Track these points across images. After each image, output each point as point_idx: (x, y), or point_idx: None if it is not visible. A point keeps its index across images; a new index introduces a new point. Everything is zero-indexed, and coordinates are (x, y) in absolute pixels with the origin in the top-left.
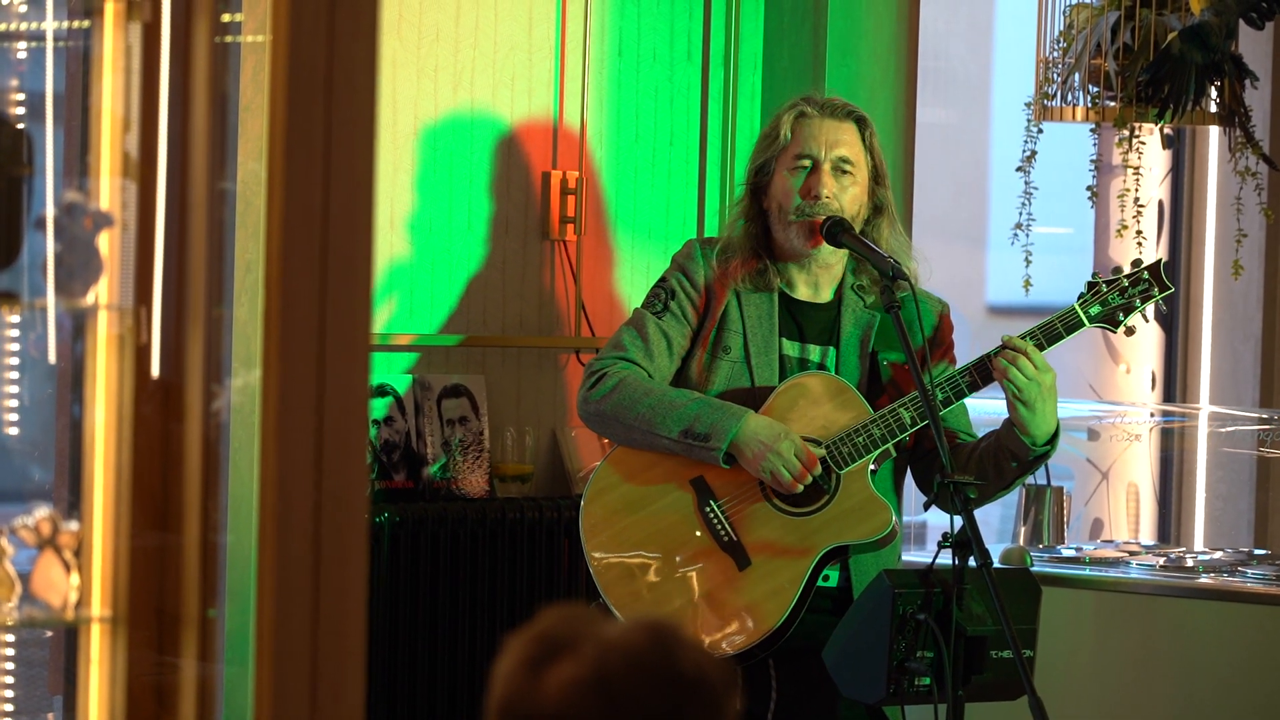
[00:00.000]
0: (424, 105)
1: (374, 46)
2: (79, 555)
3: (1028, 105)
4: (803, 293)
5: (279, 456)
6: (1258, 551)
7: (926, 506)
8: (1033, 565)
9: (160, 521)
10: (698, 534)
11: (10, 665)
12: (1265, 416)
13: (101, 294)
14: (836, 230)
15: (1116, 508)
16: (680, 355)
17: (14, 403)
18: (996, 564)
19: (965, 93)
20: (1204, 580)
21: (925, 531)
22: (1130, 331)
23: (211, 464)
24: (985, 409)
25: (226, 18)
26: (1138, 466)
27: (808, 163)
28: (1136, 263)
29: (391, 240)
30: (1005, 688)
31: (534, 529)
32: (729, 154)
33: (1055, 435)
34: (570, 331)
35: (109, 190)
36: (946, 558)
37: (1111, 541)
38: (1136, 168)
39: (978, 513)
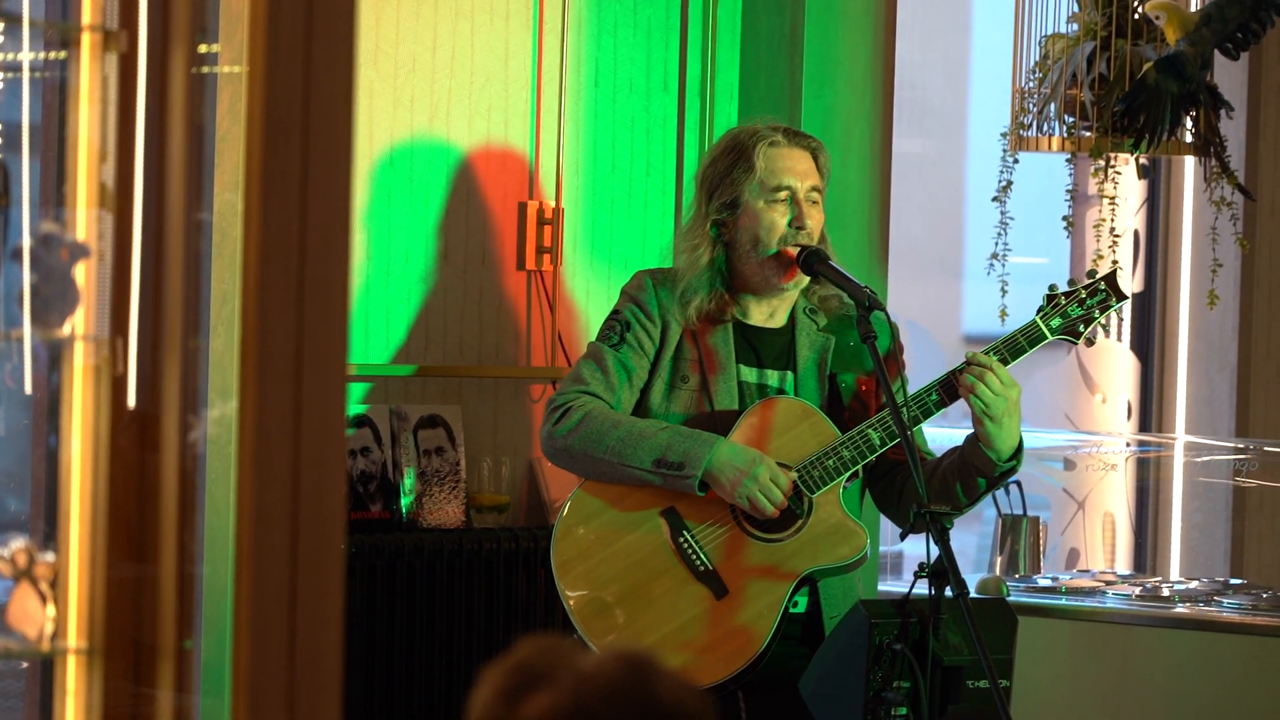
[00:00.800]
0: (400, 136)
1: (351, 77)
2: (55, 586)
3: (1003, 135)
4: (757, 319)
5: (255, 488)
6: (1233, 581)
7: (904, 537)
8: (1009, 595)
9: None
10: (673, 565)
11: None
12: (1241, 446)
13: (78, 325)
14: (813, 260)
15: (1092, 537)
16: (639, 386)
17: None
18: (973, 594)
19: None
20: (1180, 610)
21: (902, 561)
22: (1090, 342)
23: (188, 495)
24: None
25: (203, 48)
26: (1114, 496)
27: (787, 194)
28: (1091, 273)
29: (368, 271)
30: (982, 718)
31: (510, 559)
32: None
33: (1019, 450)
34: (547, 362)
35: (85, 221)
36: (923, 587)
37: (1088, 571)
38: (1112, 198)
39: (953, 542)
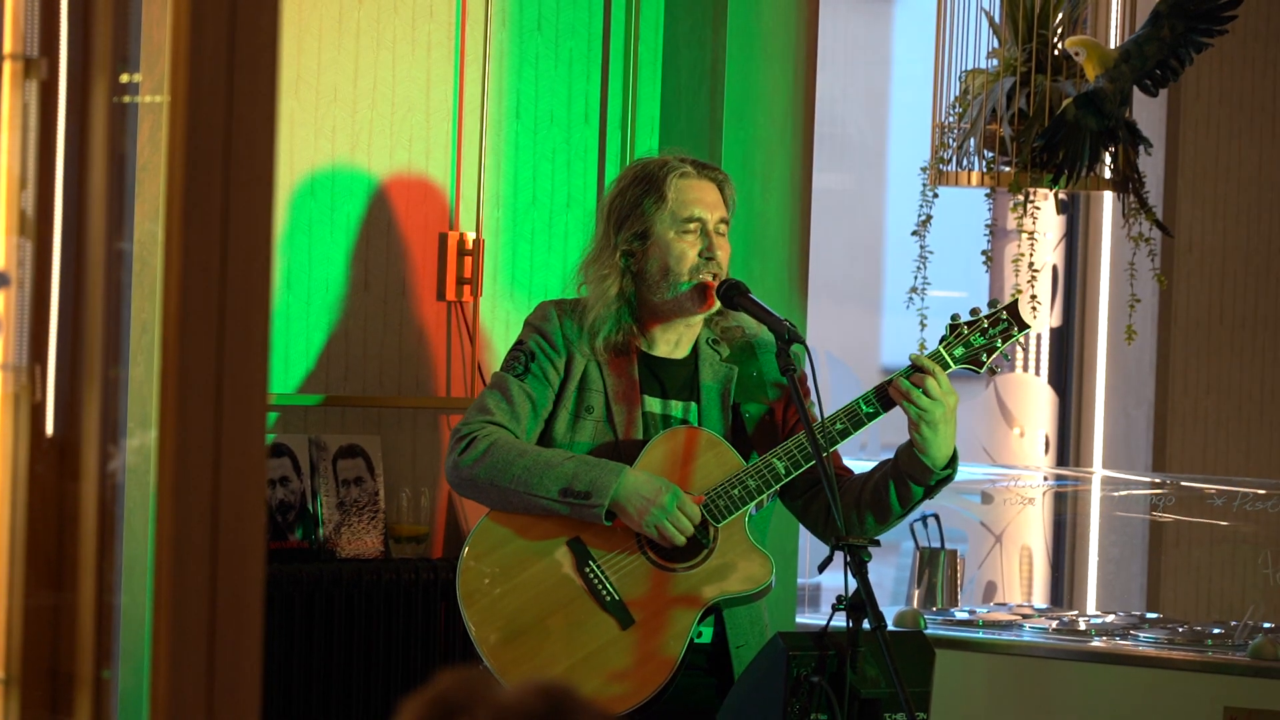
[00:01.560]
0: (321, 165)
1: (273, 107)
2: None
3: (923, 170)
4: (662, 350)
5: (174, 517)
6: (1149, 615)
7: (821, 569)
8: (926, 628)
9: (54, 581)
10: (579, 595)
11: None
12: (1157, 481)
13: None
14: (733, 293)
15: (1010, 571)
16: (544, 416)
17: None
18: (890, 626)
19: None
20: (1096, 643)
21: (820, 593)
22: (993, 372)
23: (107, 524)
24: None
25: (125, 78)
26: (1031, 530)
27: (697, 225)
28: (993, 303)
29: (288, 300)
30: None
31: (429, 590)
32: None
33: (954, 459)
34: (466, 393)
35: (4, 249)
36: (841, 620)
37: (1005, 604)
38: (1031, 233)
39: (871, 574)
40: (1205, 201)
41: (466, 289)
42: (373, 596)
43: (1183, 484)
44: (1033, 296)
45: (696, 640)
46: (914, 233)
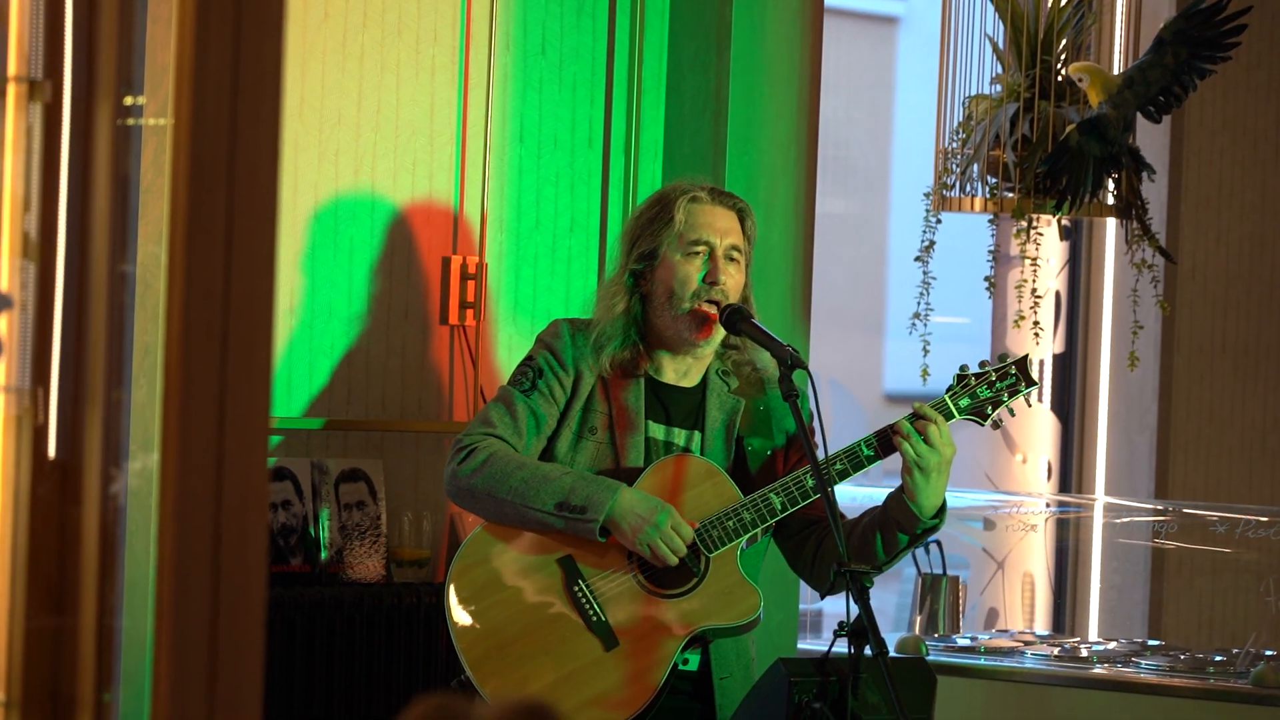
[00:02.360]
0: (325, 189)
1: (276, 130)
2: None
3: (926, 195)
4: (670, 377)
5: (176, 540)
6: (1151, 642)
7: (824, 595)
8: (928, 654)
9: (56, 604)
10: (565, 613)
11: None
12: (1160, 508)
13: None
14: (736, 318)
15: (1012, 597)
16: (547, 434)
17: None
18: (892, 653)
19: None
20: (1098, 670)
21: (821, 619)
22: (997, 425)
23: (108, 547)
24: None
25: (129, 100)
26: (1033, 556)
27: (704, 249)
28: (1003, 357)
29: (291, 323)
30: None
31: (430, 614)
32: None
33: (943, 510)
34: (468, 417)
35: (8, 271)
36: (843, 646)
37: (1006, 631)
38: (1034, 259)
39: (873, 600)
40: (1208, 228)
41: (469, 313)
42: (374, 620)
43: (1185, 511)
44: (1035, 323)
45: (682, 667)
46: (917, 258)
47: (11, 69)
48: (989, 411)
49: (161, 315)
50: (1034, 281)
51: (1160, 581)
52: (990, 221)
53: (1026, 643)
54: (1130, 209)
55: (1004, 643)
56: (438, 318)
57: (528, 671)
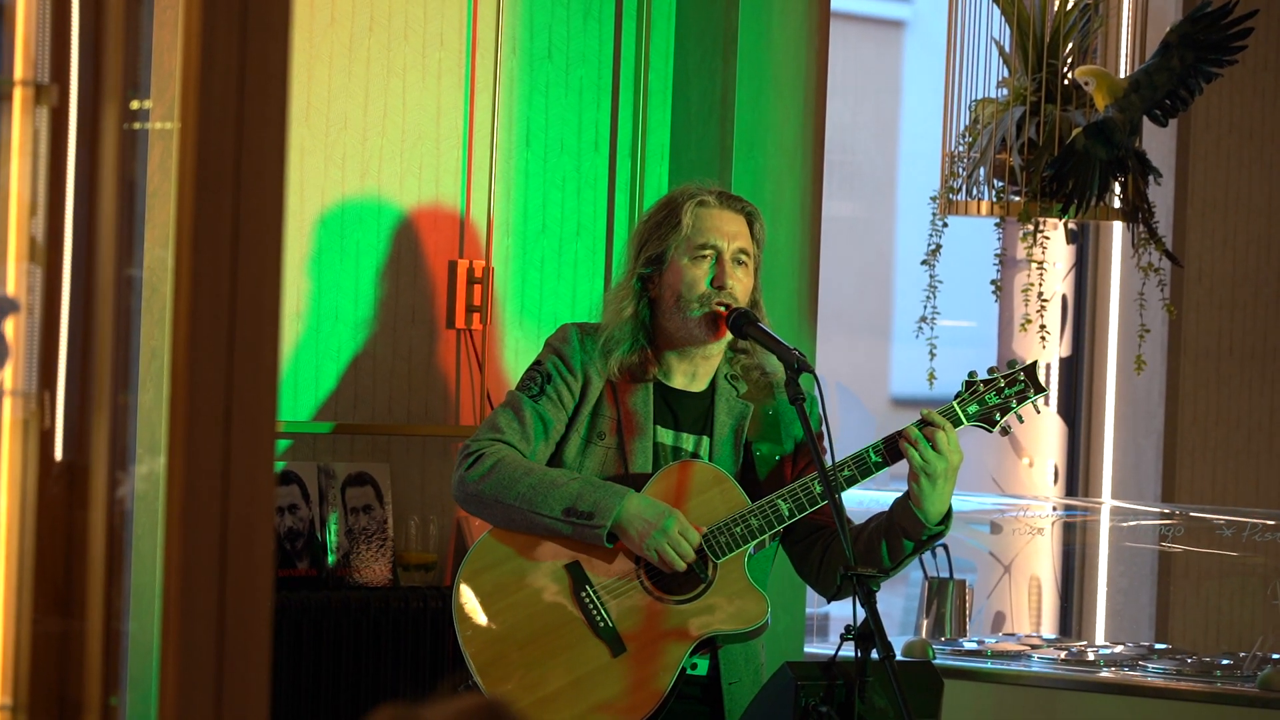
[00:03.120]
0: (331, 193)
1: (283, 134)
2: None
3: (933, 199)
4: (679, 381)
5: (183, 544)
6: (1158, 646)
7: (830, 600)
8: (935, 658)
9: (62, 608)
10: (573, 619)
11: None
12: (1167, 511)
13: (6, 379)
14: (742, 322)
15: (1018, 601)
16: (555, 439)
17: None
18: (899, 656)
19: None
20: (1105, 674)
21: (828, 623)
22: (1005, 432)
23: (115, 550)
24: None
25: (135, 104)
26: (1040, 560)
27: (711, 252)
28: (1012, 363)
29: (297, 327)
30: None
31: (437, 618)
32: None
33: (948, 517)
34: (475, 421)
35: (14, 275)
36: (849, 649)
37: (1013, 635)
38: (1040, 262)
39: (880, 604)
40: (1215, 231)
41: (476, 317)
42: (381, 624)
43: (1192, 514)
44: (1042, 326)
45: (691, 672)
46: (923, 262)
47: (18, 72)
48: (997, 418)
49: (168, 319)
50: (1040, 285)
51: (1167, 585)
52: (996, 225)
53: (1033, 646)
54: (1137, 212)
55: (1010, 646)
56: (444, 322)
57: (535, 677)
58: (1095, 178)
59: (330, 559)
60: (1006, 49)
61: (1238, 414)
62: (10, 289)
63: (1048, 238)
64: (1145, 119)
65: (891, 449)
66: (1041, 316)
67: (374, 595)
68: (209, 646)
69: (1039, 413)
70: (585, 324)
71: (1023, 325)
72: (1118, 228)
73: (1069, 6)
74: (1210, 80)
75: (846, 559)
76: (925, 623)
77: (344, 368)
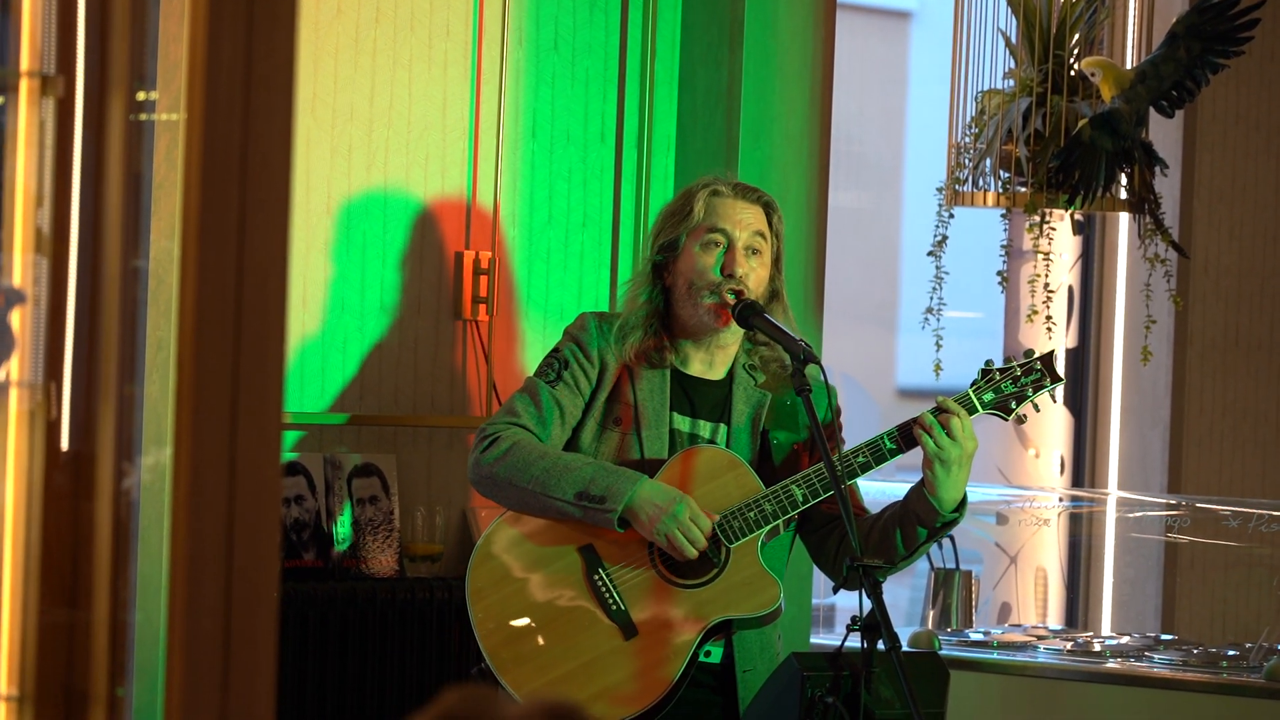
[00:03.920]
0: (338, 184)
1: (289, 125)
2: None
3: (939, 190)
4: (696, 369)
5: (189, 535)
6: (1164, 636)
7: (836, 590)
8: (941, 649)
9: (69, 599)
10: (585, 602)
11: None
12: (1173, 502)
13: (12, 370)
14: (748, 313)
15: (1025, 592)
16: (572, 425)
17: None
18: (905, 647)
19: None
20: (1111, 665)
21: (834, 614)
22: (1021, 420)
23: (121, 541)
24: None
25: (141, 95)
26: (1046, 551)
27: (722, 240)
28: (1029, 353)
29: (304, 319)
30: None
31: (444, 609)
32: (642, 236)
33: (963, 504)
34: (481, 412)
35: (21, 266)
36: (855, 640)
37: (1019, 625)
38: (1047, 253)
39: (886, 595)
40: (1221, 223)
41: (482, 308)
42: (387, 615)
43: (1198, 505)
44: (1048, 317)
45: (704, 659)
46: (930, 253)
47: (24, 64)
48: (1013, 406)
49: (174, 310)
50: (1046, 276)
51: (1173, 576)
52: (1003, 216)
53: (1039, 637)
54: (1143, 203)
55: (1017, 637)
56: (451, 313)
57: (547, 660)
58: (1101, 169)
59: (335, 550)
60: (1013, 40)
61: (1244, 405)
62: (16, 280)
63: (1054, 229)
64: (1152, 110)
65: (906, 435)
66: (1048, 308)
67: (380, 586)
68: (215, 637)
69: (1055, 402)
70: (603, 313)
71: (1029, 316)
72: (1124, 219)
73: None
74: (1217, 71)
75: (853, 549)
76: (931, 614)
77: (350, 359)
